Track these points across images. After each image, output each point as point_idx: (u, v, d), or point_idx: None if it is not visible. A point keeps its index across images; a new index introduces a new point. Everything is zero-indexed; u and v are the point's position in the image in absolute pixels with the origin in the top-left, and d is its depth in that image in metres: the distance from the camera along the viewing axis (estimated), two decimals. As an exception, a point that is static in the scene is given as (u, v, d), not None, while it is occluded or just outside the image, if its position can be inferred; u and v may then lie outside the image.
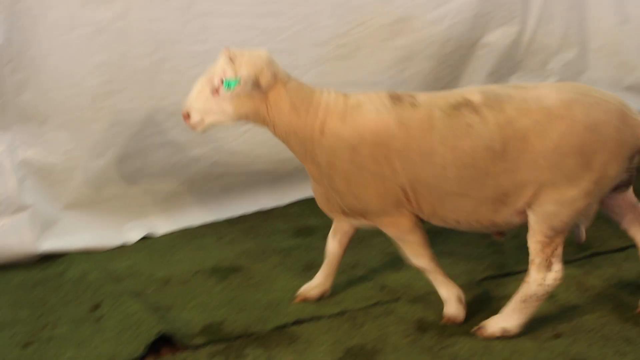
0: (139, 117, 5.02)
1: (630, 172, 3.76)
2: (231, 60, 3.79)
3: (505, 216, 3.79)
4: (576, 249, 4.65)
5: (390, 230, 4.02)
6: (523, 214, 3.77)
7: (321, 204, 4.10)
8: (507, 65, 6.03)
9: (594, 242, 4.74)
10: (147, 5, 4.85)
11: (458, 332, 3.88)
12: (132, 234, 5.15)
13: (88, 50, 4.80)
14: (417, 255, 4.03)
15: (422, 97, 3.84)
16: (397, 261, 4.61)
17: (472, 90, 3.81)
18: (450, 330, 3.90)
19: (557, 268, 3.73)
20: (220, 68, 3.78)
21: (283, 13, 5.18)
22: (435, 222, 3.97)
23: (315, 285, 4.30)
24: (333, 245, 4.25)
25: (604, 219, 4.95)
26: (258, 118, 3.89)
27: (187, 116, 3.85)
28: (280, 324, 4.02)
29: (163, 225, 5.25)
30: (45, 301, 4.41)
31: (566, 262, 4.43)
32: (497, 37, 5.87)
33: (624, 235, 4.73)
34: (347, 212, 4.00)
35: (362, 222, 4.05)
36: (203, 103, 3.81)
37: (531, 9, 5.96)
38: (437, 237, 4.88)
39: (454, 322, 4.01)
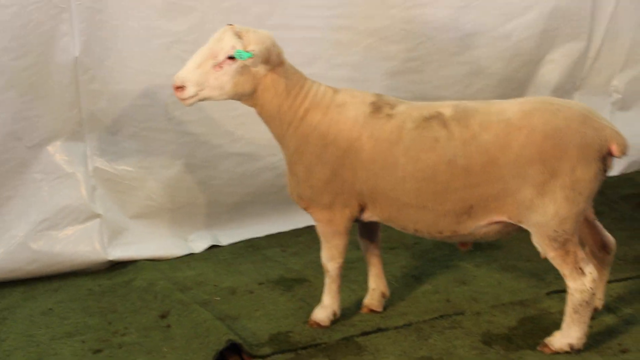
0: (207, 128, 5.11)
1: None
2: (238, 36, 3.84)
3: (470, 228, 3.83)
4: (638, 267, 4.63)
5: (322, 227, 4.09)
6: (492, 225, 3.81)
7: (288, 188, 4.16)
8: (572, 81, 6.03)
9: (660, 257, 4.73)
10: (223, 16, 4.92)
11: (524, 346, 3.88)
12: (198, 244, 5.23)
13: (164, 61, 4.91)
14: (332, 258, 4.12)
15: (402, 107, 3.92)
16: (460, 275, 4.65)
17: (446, 104, 3.87)
18: (516, 344, 3.90)
19: (589, 270, 3.72)
20: (228, 43, 3.82)
21: (355, 27, 5.25)
22: (395, 227, 4.03)
23: (371, 292, 4.34)
24: (363, 242, 4.32)
25: (668, 234, 4.96)
26: (250, 97, 3.94)
27: (180, 88, 3.86)
28: (346, 335, 4.05)
29: (228, 235, 5.32)
30: (115, 308, 4.49)
31: (629, 278, 4.47)
32: (563, 54, 5.88)
33: (689, 250, 4.73)
34: (297, 200, 4.09)
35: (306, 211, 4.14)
36: (201, 77, 3.83)
37: (598, 26, 5.96)
38: (499, 251, 4.92)
39: (318, 326, 4.13)
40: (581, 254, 3.74)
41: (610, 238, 4.05)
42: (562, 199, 3.63)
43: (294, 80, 3.97)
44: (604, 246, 4.04)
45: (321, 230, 4.11)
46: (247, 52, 3.79)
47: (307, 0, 5.06)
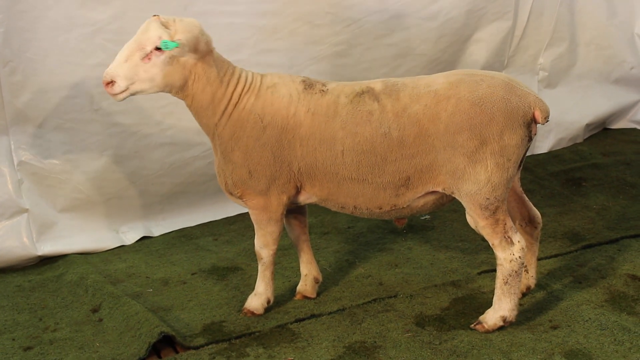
0: (135, 118, 5.03)
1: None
2: (164, 26, 3.80)
3: (408, 199, 3.89)
4: (569, 242, 4.71)
5: (256, 214, 4.09)
6: (428, 196, 3.87)
7: (220, 179, 4.14)
8: (499, 60, 6.07)
9: (586, 234, 4.80)
10: (144, 5, 4.84)
11: (457, 326, 3.91)
12: (129, 236, 5.17)
13: (86, 51, 4.81)
14: (265, 245, 4.14)
15: (333, 84, 3.97)
16: (393, 258, 4.67)
17: (376, 80, 3.95)
18: (448, 325, 3.93)
19: (517, 238, 3.80)
20: (155, 34, 3.77)
21: (279, 12, 5.19)
22: (332, 206, 4.04)
23: (303, 278, 4.34)
24: (293, 231, 4.32)
25: (595, 211, 5.05)
26: (181, 89, 3.91)
27: (110, 83, 3.81)
28: (280, 323, 4.04)
29: (160, 226, 5.27)
30: (45, 304, 4.42)
31: (560, 254, 4.55)
32: (490, 33, 5.92)
33: (615, 226, 4.81)
34: (230, 189, 4.07)
35: (238, 202, 4.14)
36: (130, 70, 3.78)
37: (523, 4, 6.00)
38: (432, 232, 4.95)
39: (252, 314, 4.15)
40: (510, 222, 3.80)
41: (536, 212, 4.12)
42: (492, 166, 3.70)
43: (224, 67, 3.96)
44: (531, 220, 4.10)
45: (255, 217, 4.10)
46: (173, 41, 3.74)
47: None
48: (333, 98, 3.88)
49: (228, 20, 5.05)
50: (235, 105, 3.93)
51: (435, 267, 4.55)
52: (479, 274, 4.44)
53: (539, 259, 4.38)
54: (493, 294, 3.89)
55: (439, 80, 3.82)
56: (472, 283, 4.34)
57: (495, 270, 4.36)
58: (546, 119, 3.80)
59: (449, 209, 5.22)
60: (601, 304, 4.03)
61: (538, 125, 3.81)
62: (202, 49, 3.85)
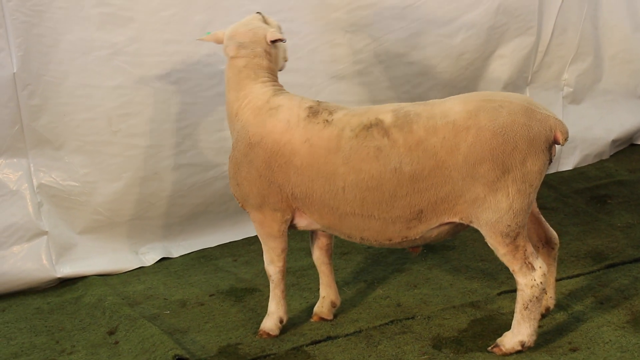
0: (155, 140, 5.04)
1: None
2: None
3: (421, 232, 3.79)
4: (592, 261, 4.62)
5: (257, 228, 4.11)
6: (443, 227, 3.79)
7: None
8: (522, 77, 6.01)
9: (610, 253, 4.71)
10: (162, 27, 4.89)
11: (474, 349, 3.85)
12: (148, 257, 5.17)
13: (104, 73, 4.84)
14: (271, 261, 4.11)
15: (340, 114, 3.87)
16: (412, 278, 4.62)
17: (385, 110, 3.81)
18: (466, 347, 3.86)
19: (539, 264, 3.71)
20: None
21: (298, 32, 5.18)
22: (338, 235, 4.00)
23: (321, 300, 4.29)
24: (314, 252, 4.28)
25: (620, 230, 4.96)
26: None
27: None
28: (296, 345, 4.00)
29: (180, 247, 5.27)
30: (63, 326, 4.43)
31: (582, 274, 4.46)
32: (513, 49, 5.85)
33: (639, 245, 4.72)
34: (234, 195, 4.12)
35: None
36: None
37: (547, 20, 5.93)
38: (453, 252, 4.90)
39: (268, 336, 4.10)
40: (530, 248, 3.72)
41: (553, 233, 4.03)
42: (514, 193, 3.63)
43: (244, 74, 4.01)
44: (548, 241, 4.02)
45: (257, 231, 4.14)
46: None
47: (248, 5, 4.98)
48: (337, 131, 3.79)
49: (246, 40, 5.05)
50: (236, 115, 3.99)
51: (455, 287, 4.49)
52: (499, 294, 4.37)
53: (560, 279, 4.34)
54: (512, 316, 3.83)
55: (456, 108, 3.69)
56: (492, 304, 4.27)
57: (514, 291, 4.32)
58: (566, 139, 3.72)
59: (471, 228, 5.19)
60: (622, 326, 3.93)
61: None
62: (226, 53, 4.04)
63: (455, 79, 5.69)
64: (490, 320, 4.10)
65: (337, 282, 4.34)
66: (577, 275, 4.49)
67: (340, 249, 5.06)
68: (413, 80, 5.54)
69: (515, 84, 5.97)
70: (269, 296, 4.37)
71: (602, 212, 5.34)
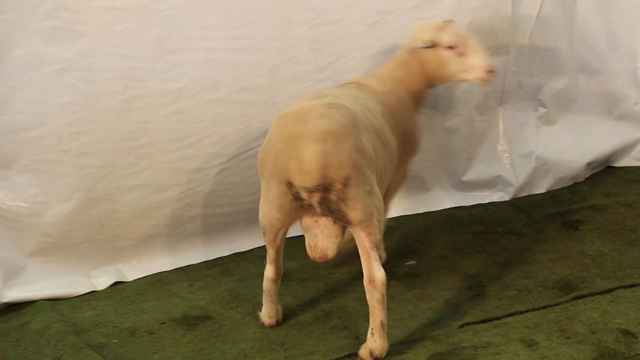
0: (107, 159, 4.83)
1: None
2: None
3: None
4: (560, 292, 4.45)
5: None
6: None
7: None
8: (496, 97, 5.83)
9: (579, 284, 4.54)
10: (115, 42, 4.69)
11: (432, 386, 3.67)
12: (100, 281, 4.94)
13: (54, 89, 4.63)
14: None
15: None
16: (372, 308, 4.42)
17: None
18: (423, 384, 3.69)
19: None
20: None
21: (259, 48, 5.00)
22: None
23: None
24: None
25: (591, 258, 4.79)
26: None
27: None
28: (244, 378, 3.82)
29: (134, 271, 5.04)
30: (5, 355, 4.21)
31: (548, 305, 4.29)
32: (485, 68, 5.67)
33: (610, 275, 4.56)
34: None
35: None
36: None
37: (520, 39, 5.76)
38: (417, 280, 4.72)
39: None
40: None
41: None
42: None
43: None
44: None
45: None
46: None
47: (206, 21, 4.80)
48: None
49: (204, 57, 4.86)
50: None
51: (416, 318, 4.29)
52: (461, 326, 4.18)
53: (526, 311, 4.27)
54: (473, 350, 3.66)
55: None
56: (453, 337, 4.08)
57: (477, 322, 4.18)
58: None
59: (437, 254, 5.03)
60: (588, 364, 3.77)
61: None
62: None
63: (432, 99, 5.50)
64: (450, 355, 3.92)
65: (294, 311, 4.21)
66: (544, 307, 4.31)
67: (300, 274, 4.88)
68: (381, 99, 5.35)
69: (487, 104, 5.80)
70: (222, 325, 4.22)
71: (573, 238, 5.16)
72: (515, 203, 5.84)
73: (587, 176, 6.22)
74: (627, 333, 4.00)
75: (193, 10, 4.80)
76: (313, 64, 5.13)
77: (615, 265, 4.74)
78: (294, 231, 5.29)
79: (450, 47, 4.68)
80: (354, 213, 3.73)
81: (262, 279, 4.25)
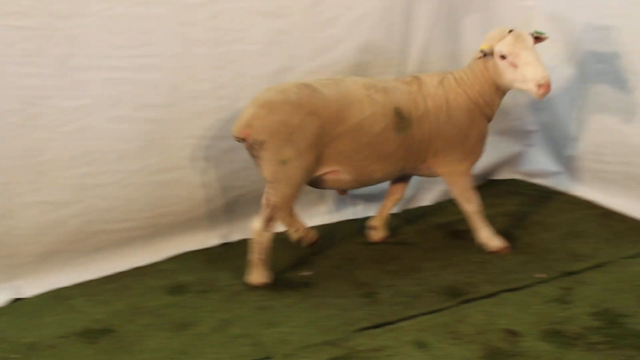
0: (8, 177, 4.84)
1: None
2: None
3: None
4: (448, 297, 4.69)
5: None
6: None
7: None
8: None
9: (466, 289, 4.80)
10: (18, 60, 4.70)
11: (331, 387, 3.84)
12: (-1, 297, 4.94)
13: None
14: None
15: None
16: (271, 316, 4.58)
17: None
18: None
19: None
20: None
21: (161, 67, 5.09)
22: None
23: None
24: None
25: (476, 265, 5.07)
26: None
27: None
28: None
29: (33, 287, 5.04)
30: None
31: (438, 310, 4.52)
32: (376, 86, 5.91)
33: (495, 280, 4.84)
34: None
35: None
36: None
37: (409, 57, 6.02)
38: (312, 289, 4.88)
39: None
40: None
41: None
42: None
43: None
44: None
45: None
46: None
47: (110, 39, 4.87)
48: None
49: (107, 74, 4.92)
50: None
51: (314, 325, 4.47)
52: (356, 331, 4.37)
53: (416, 316, 4.49)
54: (370, 353, 3.84)
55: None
56: (350, 341, 4.27)
57: (373, 327, 4.36)
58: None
59: (332, 264, 5.22)
60: (475, 363, 4.02)
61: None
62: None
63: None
64: (348, 358, 4.10)
65: (195, 321, 4.25)
66: (434, 311, 4.54)
67: (198, 286, 4.99)
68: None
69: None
70: (123, 337, 4.28)
71: (459, 247, 5.45)
72: (404, 215, 6.11)
73: (470, 188, 6.54)
74: (511, 332, 4.28)
75: (97, 29, 4.87)
76: (213, 82, 5.26)
77: (498, 270, 5.04)
78: (194, 244, 5.47)
79: (503, 57, 4.89)
80: (264, 172, 4.74)
81: (162, 293, 4.30)
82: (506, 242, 5.31)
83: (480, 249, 5.34)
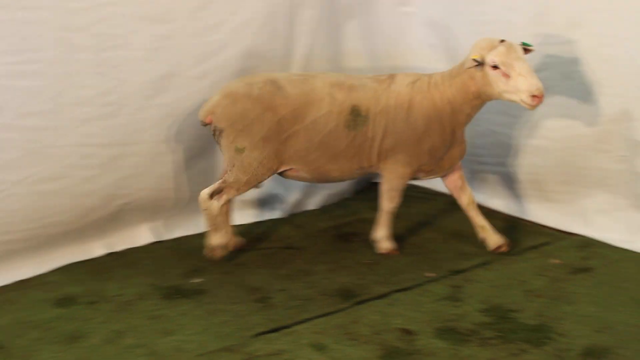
0: None
1: None
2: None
3: None
4: (342, 299, 4.75)
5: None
6: None
7: None
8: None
9: (358, 290, 4.87)
10: None
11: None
12: None
13: None
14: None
15: None
16: (166, 325, 4.52)
17: None
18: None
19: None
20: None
21: (43, 72, 4.93)
22: None
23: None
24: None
25: (366, 266, 5.15)
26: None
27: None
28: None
29: None
30: None
31: (332, 312, 4.57)
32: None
33: (385, 281, 4.93)
34: None
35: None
36: None
37: (293, 62, 6.07)
38: (205, 296, 4.85)
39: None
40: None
41: None
42: None
43: None
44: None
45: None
46: None
47: (3, 57, 4.72)
48: None
49: (-15, 81, 4.76)
50: None
51: (209, 332, 4.43)
52: (253, 336, 4.37)
53: (312, 318, 4.52)
54: (267, 357, 3.82)
55: None
56: (247, 347, 4.26)
57: (270, 332, 4.37)
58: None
59: (222, 271, 5.20)
60: (375, 361, 4.08)
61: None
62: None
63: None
64: (246, 365, 4.11)
65: (86, 334, 4.18)
66: (329, 314, 4.59)
67: (86, 298, 4.86)
68: (163, 122, 5.45)
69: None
70: (13, 353, 4.14)
71: (348, 249, 5.52)
72: (292, 219, 6.15)
73: (354, 192, 6.65)
74: (406, 332, 4.37)
75: (-25, 35, 4.69)
76: (97, 89, 5.14)
77: (388, 271, 5.14)
78: (80, 255, 5.33)
79: (495, 67, 4.85)
80: (224, 156, 5.19)
81: (49, 305, 4.15)
82: (396, 245, 5.42)
83: (370, 251, 5.43)
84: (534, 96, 4.72)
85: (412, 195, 6.32)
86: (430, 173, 5.37)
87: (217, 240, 5.28)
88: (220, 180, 5.18)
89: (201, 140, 5.67)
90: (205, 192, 5.15)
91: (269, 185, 6.11)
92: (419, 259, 5.33)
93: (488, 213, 5.80)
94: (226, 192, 5.14)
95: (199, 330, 4.46)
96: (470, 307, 4.64)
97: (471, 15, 6.09)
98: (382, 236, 5.42)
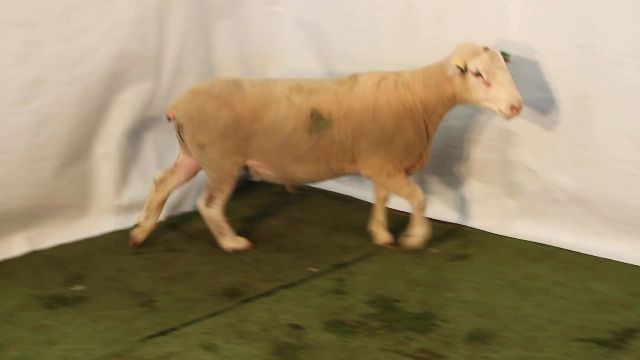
0: None
1: None
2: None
3: None
4: (228, 298, 4.76)
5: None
6: None
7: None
8: (144, 121, 6.03)
9: (243, 289, 4.89)
10: None
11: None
12: None
13: None
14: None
15: None
16: (50, 334, 4.42)
17: None
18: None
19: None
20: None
21: None
22: None
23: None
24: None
25: (250, 265, 5.18)
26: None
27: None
28: None
29: None
30: None
31: (219, 312, 4.59)
32: (133, 94, 5.87)
33: (270, 278, 4.97)
34: None
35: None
36: None
37: (166, 66, 6.03)
38: (88, 303, 4.77)
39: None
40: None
41: None
42: None
43: None
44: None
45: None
46: None
47: None
48: None
49: None
50: None
51: (96, 339, 4.36)
52: (141, 340, 4.33)
53: (199, 320, 4.51)
54: (158, 361, 3.82)
55: None
56: (136, 351, 4.21)
57: (157, 335, 4.35)
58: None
59: (103, 277, 5.11)
60: (268, 357, 4.12)
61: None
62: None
63: (78, 127, 5.57)
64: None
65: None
66: (217, 314, 4.59)
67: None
68: (32, 130, 5.30)
69: (136, 128, 5.98)
70: None
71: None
72: (169, 221, 6.11)
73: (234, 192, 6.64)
74: (295, 327, 4.43)
75: None
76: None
77: (272, 268, 5.19)
78: None
79: (477, 75, 4.80)
80: (192, 153, 5.39)
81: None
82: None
83: (250, 250, 5.46)
84: (512, 107, 4.76)
85: (287, 192, 6.39)
86: (413, 169, 5.38)
87: (230, 244, 5.48)
88: (206, 186, 5.41)
89: (75, 146, 5.56)
90: (201, 203, 5.40)
91: (147, 188, 6.03)
92: (301, 255, 5.41)
93: (365, 207, 5.93)
94: (215, 195, 5.35)
95: (84, 338, 4.38)
96: (355, 299, 4.74)
97: (340, 13, 6.20)
98: (422, 234, 5.39)
